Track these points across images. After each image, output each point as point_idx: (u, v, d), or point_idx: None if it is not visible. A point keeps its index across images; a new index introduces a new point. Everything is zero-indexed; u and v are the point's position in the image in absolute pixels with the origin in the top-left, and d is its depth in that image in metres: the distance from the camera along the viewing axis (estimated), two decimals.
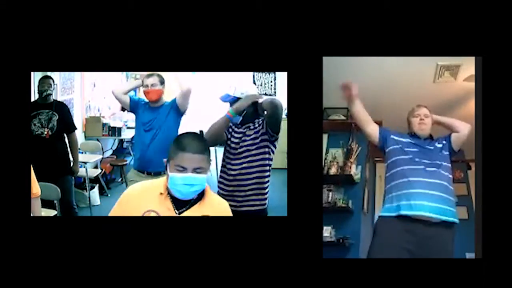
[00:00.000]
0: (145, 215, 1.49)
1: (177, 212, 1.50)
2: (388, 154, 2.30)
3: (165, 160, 1.52)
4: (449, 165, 2.23)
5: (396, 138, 2.31)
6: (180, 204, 1.51)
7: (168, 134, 2.95)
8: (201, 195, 1.53)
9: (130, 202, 1.54)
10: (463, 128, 2.28)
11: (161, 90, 3.01)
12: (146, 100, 3.08)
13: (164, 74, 3.07)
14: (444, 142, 2.29)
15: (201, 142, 1.48)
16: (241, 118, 2.30)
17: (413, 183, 2.12)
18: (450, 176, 2.20)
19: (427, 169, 2.15)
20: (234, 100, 2.30)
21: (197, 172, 1.44)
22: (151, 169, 2.97)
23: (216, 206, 1.57)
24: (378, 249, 2.09)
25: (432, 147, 2.26)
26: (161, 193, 1.51)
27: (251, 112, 2.32)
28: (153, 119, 2.98)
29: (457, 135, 2.28)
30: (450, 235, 2.10)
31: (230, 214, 1.62)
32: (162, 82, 3.02)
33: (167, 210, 1.50)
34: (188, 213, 1.51)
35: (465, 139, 2.28)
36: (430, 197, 2.08)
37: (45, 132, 3.37)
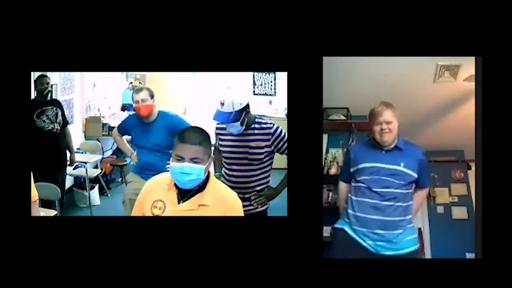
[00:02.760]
0: (154, 204, 1.61)
1: (180, 201, 1.58)
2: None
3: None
4: (411, 191, 2.06)
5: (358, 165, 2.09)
6: (183, 194, 1.59)
7: (164, 146, 2.92)
8: (203, 186, 1.59)
9: (146, 192, 1.67)
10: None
11: (152, 104, 2.91)
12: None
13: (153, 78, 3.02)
14: (411, 172, 2.03)
15: (201, 134, 1.55)
16: (243, 128, 2.23)
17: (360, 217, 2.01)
18: (410, 203, 2.04)
19: (382, 203, 1.98)
20: (236, 116, 2.16)
21: (194, 162, 1.51)
22: (146, 178, 2.96)
23: (220, 198, 1.59)
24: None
25: (394, 166, 2.02)
26: (167, 184, 1.61)
27: (249, 118, 2.27)
28: (147, 136, 2.94)
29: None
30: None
31: (236, 208, 1.62)
32: (152, 96, 2.91)
33: (171, 200, 1.59)
34: (187, 203, 1.57)
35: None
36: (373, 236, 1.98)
37: (56, 127, 3.48)
